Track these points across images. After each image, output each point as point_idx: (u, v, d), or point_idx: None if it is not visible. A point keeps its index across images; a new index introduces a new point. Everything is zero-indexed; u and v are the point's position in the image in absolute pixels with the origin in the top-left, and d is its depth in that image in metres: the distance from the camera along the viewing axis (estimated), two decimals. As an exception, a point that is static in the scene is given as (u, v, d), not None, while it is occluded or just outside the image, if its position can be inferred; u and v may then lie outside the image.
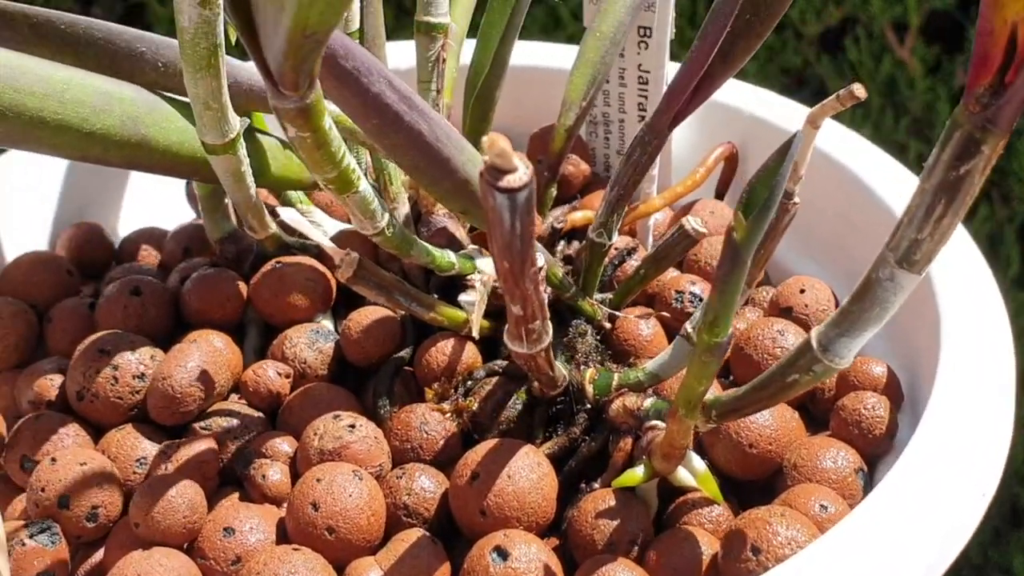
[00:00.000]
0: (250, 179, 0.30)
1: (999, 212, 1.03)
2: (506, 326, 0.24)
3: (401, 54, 0.39)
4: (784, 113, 0.37)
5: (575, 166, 0.39)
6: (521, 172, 0.18)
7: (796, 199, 0.27)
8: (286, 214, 0.28)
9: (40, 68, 0.26)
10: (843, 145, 0.35)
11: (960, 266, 0.30)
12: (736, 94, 0.39)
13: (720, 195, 0.39)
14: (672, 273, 0.35)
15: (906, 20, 1.03)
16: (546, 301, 0.23)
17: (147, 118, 0.28)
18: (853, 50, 1.03)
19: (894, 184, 0.33)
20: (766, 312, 0.34)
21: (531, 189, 0.19)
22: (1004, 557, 1.11)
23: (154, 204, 0.40)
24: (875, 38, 1.05)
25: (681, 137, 0.41)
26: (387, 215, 0.27)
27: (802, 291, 0.33)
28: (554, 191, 0.37)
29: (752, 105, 0.38)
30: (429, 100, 0.33)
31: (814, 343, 0.22)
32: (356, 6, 0.31)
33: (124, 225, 0.40)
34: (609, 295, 0.33)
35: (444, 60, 0.32)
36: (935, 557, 0.23)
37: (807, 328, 0.32)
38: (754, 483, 0.28)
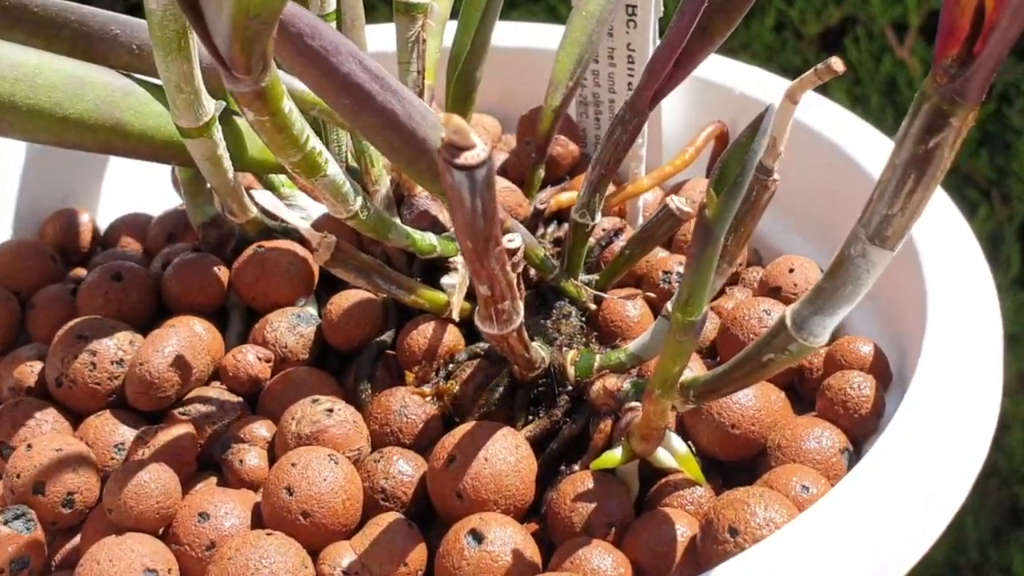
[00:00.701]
0: (227, 163, 0.30)
1: (999, 212, 1.04)
2: (476, 307, 0.24)
3: (385, 36, 0.39)
4: (776, 92, 0.37)
5: (563, 147, 0.39)
6: (479, 149, 0.18)
7: (776, 176, 0.27)
8: (261, 198, 0.29)
9: (11, 53, 0.26)
10: (834, 122, 0.35)
11: (948, 240, 0.30)
12: (727, 72, 0.39)
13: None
14: (661, 254, 0.35)
15: (906, 20, 1.04)
16: (515, 281, 0.23)
17: (122, 102, 0.28)
18: (853, 50, 1.04)
19: (884, 160, 0.33)
20: (755, 292, 0.34)
21: (490, 166, 0.19)
22: (1004, 557, 1.11)
23: (141, 190, 0.40)
24: (875, 38, 1.05)
25: (672, 116, 0.41)
26: (360, 198, 0.27)
27: (791, 270, 0.33)
28: (542, 172, 0.37)
29: (743, 83, 0.38)
30: (409, 81, 0.33)
31: (788, 322, 0.22)
32: (333, -14, 0.31)
33: (111, 211, 0.41)
34: (596, 276, 0.33)
35: (424, 41, 0.32)
36: (916, 535, 0.23)
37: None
38: (739, 464, 0.28)
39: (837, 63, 0.25)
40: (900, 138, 0.20)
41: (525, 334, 0.25)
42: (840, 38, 1.07)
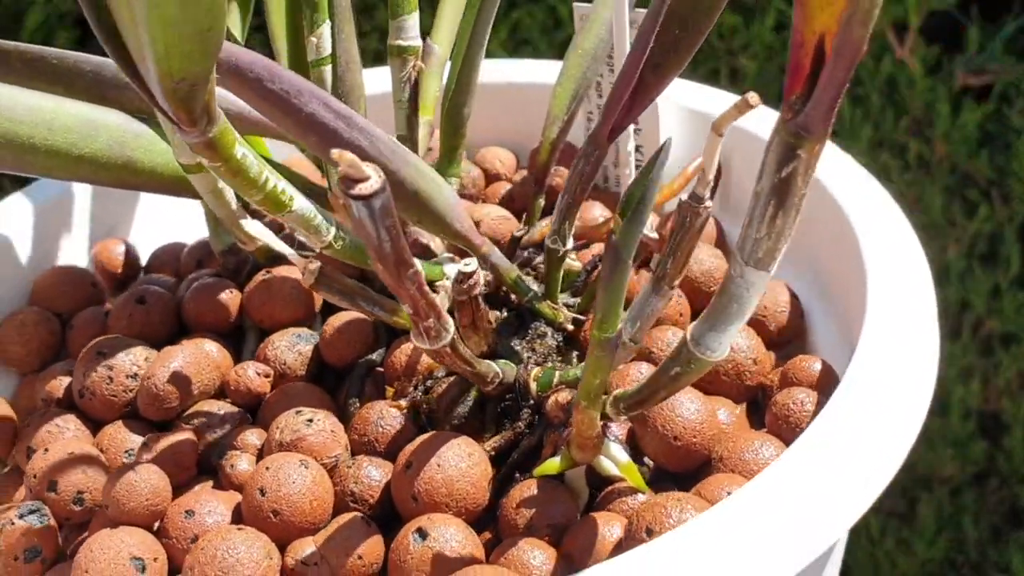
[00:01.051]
0: (230, 195, 0.33)
1: (999, 212, 1.07)
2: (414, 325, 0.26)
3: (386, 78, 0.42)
4: (765, 123, 0.39)
5: (562, 177, 0.42)
6: (373, 180, 0.21)
7: (708, 203, 0.29)
8: (250, 227, 0.32)
9: (29, 99, 0.30)
10: (843, 181, 0.37)
11: (885, 224, 0.32)
12: (722, 106, 0.41)
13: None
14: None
15: (906, 20, 1.05)
16: (438, 302, 0.25)
17: (132, 142, 0.32)
18: None
19: (851, 185, 0.35)
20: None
21: (386, 196, 0.21)
22: (1003, 556, 1.14)
23: (184, 222, 0.44)
24: (875, 38, 1.04)
25: (672, 146, 0.43)
26: (333, 228, 0.30)
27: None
28: (542, 201, 0.40)
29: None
30: (403, 118, 0.36)
31: (688, 338, 0.25)
32: (326, 33, 0.35)
33: (156, 241, 0.44)
34: (579, 299, 0.36)
35: (416, 80, 0.35)
36: (827, 523, 0.24)
37: (764, 329, 0.35)
38: (688, 474, 0.30)
39: (754, 97, 0.27)
40: (761, 170, 0.23)
41: (463, 349, 0.27)
42: None
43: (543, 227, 0.38)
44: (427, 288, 0.24)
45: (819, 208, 0.35)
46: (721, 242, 0.39)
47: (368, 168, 0.21)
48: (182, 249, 0.42)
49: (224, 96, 0.34)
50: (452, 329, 0.26)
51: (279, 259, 0.37)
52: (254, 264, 0.37)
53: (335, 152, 0.20)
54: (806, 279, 0.36)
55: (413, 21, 0.35)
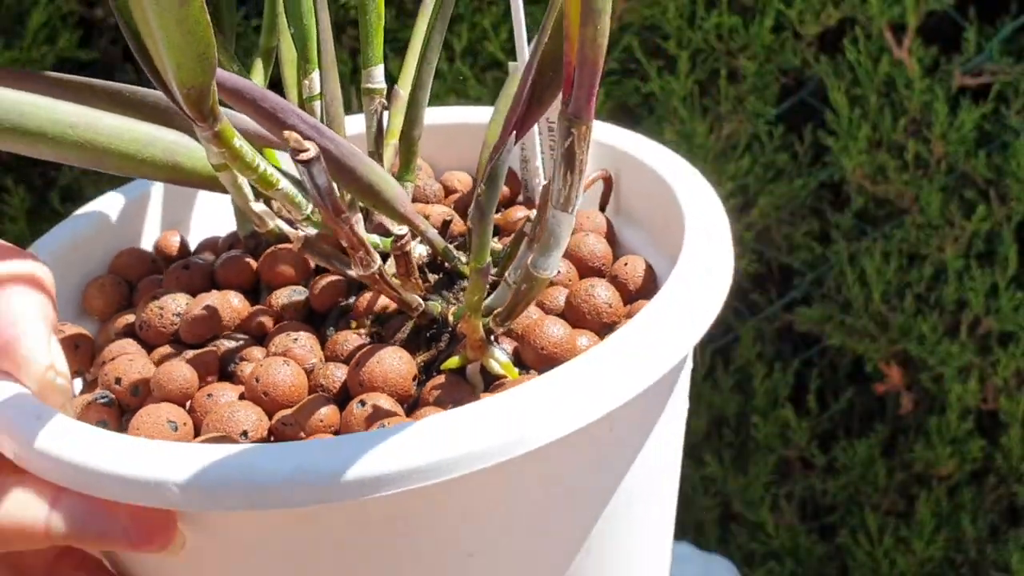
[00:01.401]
0: (247, 188, 0.47)
1: (997, 212, 1.13)
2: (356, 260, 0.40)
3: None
4: (644, 149, 0.51)
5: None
6: (311, 151, 0.34)
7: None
8: (257, 208, 0.46)
9: (110, 120, 0.44)
10: (666, 164, 0.49)
11: (699, 191, 0.44)
12: (614, 136, 0.53)
13: (602, 208, 0.54)
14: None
15: (904, 21, 1.11)
16: (368, 240, 0.39)
17: (180, 151, 0.46)
18: (852, 51, 1.12)
19: (690, 185, 0.47)
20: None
21: (320, 162, 0.35)
22: (1002, 555, 1.24)
23: (225, 222, 0.58)
24: (873, 39, 1.12)
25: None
26: (310, 205, 0.43)
27: (625, 264, 0.47)
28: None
29: (625, 144, 0.52)
30: (372, 141, 0.49)
31: (529, 263, 0.38)
32: (316, 78, 0.49)
33: (206, 233, 0.59)
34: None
35: (382, 113, 0.49)
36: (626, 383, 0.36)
37: (624, 289, 0.47)
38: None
39: (605, 172, 0.39)
40: (556, 142, 0.35)
41: (389, 277, 0.41)
42: (839, 39, 1.15)
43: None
44: (358, 229, 0.38)
45: (654, 189, 0.48)
46: (610, 236, 0.51)
47: (307, 144, 0.34)
48: (218, 239, 0.56)
49: (240, 118, 0.48)
50: (379, 261, 0.39)
51: (285, 240, 0.51)
52: (267, 243, 0.51)
53: (286, 132, 0.34)
54: (663, 252, 0.48)
55: (379, 70, 0.49)
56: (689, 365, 0.45)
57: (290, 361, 0.42)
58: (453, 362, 0.41)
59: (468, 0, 1.11)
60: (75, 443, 0.34)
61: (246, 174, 0.40)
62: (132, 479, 0.33)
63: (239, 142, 0.39)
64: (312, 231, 0.45)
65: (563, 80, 0.34)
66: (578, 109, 0.34)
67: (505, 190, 0.55)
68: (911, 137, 1.14)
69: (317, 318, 0.48)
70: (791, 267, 1.23)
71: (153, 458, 0.33)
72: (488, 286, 0.41)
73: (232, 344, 0.46)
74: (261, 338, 0.47)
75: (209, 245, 0.56)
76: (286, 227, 0.45)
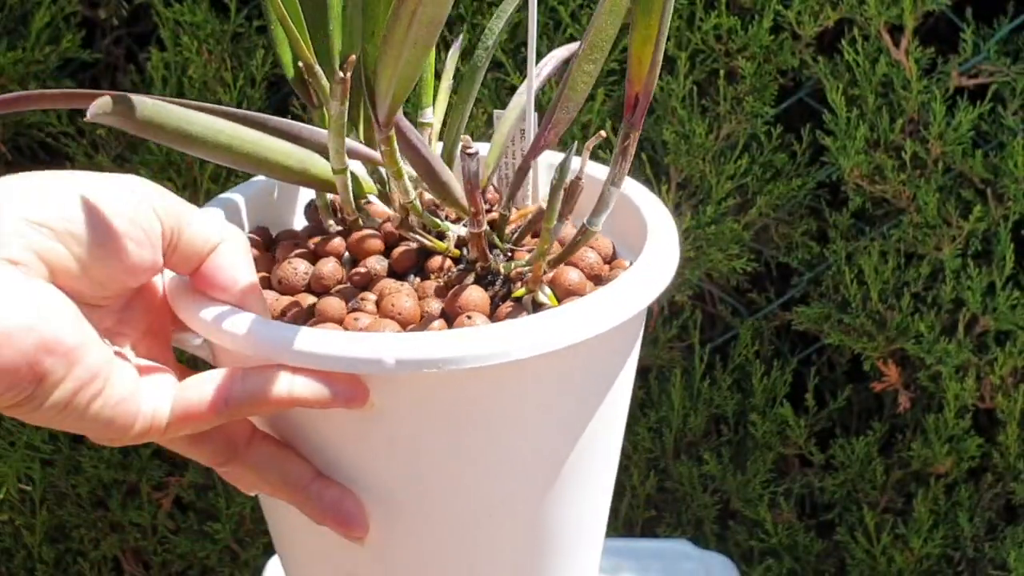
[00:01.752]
0: (351, 187, 0.83)
1: (994, 211, 1.39)
2: (469, 224, 0.76)
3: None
4: (626, 185, 0.81)
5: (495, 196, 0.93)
6: (474, 148, 0.67)
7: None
8: (346, 198, 0.82)
9: (251, 135, 0.75)
10: (637, 192, 0.83)
11: (658, 212, 0.80)
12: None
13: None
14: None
15: (902, 22, 1.35)
16: (483, 212, 0.75)
17: (307, 159, 0.80)
18: (849, 51, 1.38)
19: (652, 208, 0.82)
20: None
21: (478, 158, 0.71)
22: (999, 552, 1.53)
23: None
24: (871, 40, 1.37)
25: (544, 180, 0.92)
26: (415, 193, 0.80)
27: (598, 240, 0.83)
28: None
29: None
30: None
31: (586, 222, 0.74)
32: (429, 112, 0.85)
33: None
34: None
35: (431, 141, 0.86)
36: (635, 300, 0.71)
37: (603, 256, 0.83)
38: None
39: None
40: (617, 141, 0.72)
41: (485, 240, 0.77)
42: (837, 40, 1.40)
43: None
44: (480, 200, 0.74)
45: (629, 210, 0.82)
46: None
47: (472, 144, 0.68)
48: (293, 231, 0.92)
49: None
50: (484, 224, 0.76)
51: (359, 228, 0.86)
52: (348, 231, 0.86)
53: (464, 138, 0.70)
54: (624, 240, 0.84)
55: (429, 110, 0.84)
56: (643, 321, 0.79)
57: (411, 293, 0.79)
58: (520, 292, 0.77)
59: (469, 1, 1.33)
60: (314, 338, 0.67)
61: (391, 165, 0.76)
62: (357, 358, 0.65)
63: (395, 145, 0.75)
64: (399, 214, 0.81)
65: (626, 99, 0.70)
66: (636, 121, 0.70)
67: (494, 195, 0.92)
68: (908, 137, 1.40)
69: (397, 276, 0.85)
70: (789, 266, 1.50)
71: (370, 343, 0.65)
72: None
73: (347, 292, 0.83)
74: (363, 289, 0.84)
75: (290, 234, 0.92)
76: (383, 207, 0.82)
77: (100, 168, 1.40)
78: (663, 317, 1.51)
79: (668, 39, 1.33)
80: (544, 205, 0.73)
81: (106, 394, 0.59)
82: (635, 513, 1.54)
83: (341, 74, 0.67)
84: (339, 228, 0.85)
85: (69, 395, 0.57)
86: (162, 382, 0.62)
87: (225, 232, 0.69)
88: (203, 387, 0.63)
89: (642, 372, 1.53)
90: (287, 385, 0.65)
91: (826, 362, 1.58)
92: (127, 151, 1.48)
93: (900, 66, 1.38)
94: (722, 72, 1.41)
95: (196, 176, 1.45)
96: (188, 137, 0.66)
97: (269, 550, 1.58)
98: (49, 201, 0.58)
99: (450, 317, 0.73)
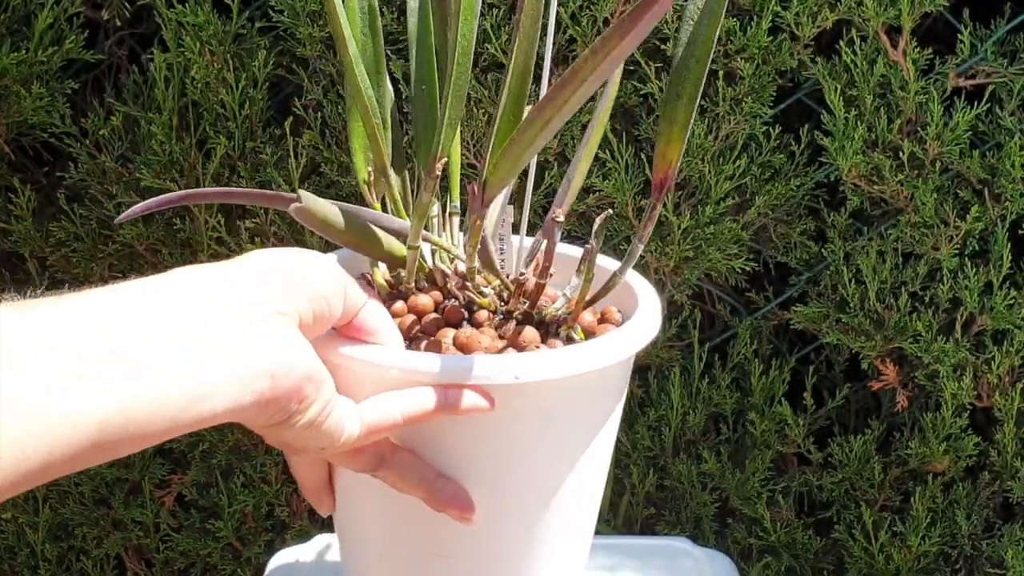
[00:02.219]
0: (417, 261, 0.90)
1: (991, 211, 1.45)
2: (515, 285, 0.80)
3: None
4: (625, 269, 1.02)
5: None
6: (561, 217, 0.83)
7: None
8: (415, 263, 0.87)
9: (339, 217, 0.87)
10: (631, 275, 1.01)
11: (645, 289, 1.00)
12: (609, 263, 0.93)
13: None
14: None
15: (899, 23, 1.40)
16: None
17: (384, 239, 0.91)
18: (848, 52, 1.44)
19: (641, 286, 1.00)
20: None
21: (561, 225, 0.77)
22: (996, 550, 1.56)
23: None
24: (869, 41, 1.43)
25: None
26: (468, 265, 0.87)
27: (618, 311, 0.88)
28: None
29: (612, 266, 1.01)
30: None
31: (616, 270, 0.77)
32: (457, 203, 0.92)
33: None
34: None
35: (462, 224, 0.89)
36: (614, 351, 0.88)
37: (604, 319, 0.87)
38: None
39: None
40: (648, 210, 0.75)
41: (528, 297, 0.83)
42: (835, 41, 1.46)
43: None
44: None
45: (625, 288, 1.01)
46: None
47: (560, 214, 0.79)
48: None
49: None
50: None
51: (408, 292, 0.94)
52: (404, 294, 1.01)
53: (557, 210, 0.79)
54: (627, 314, 1.00)
55: (458, 202, 1.02)
56: (630, 367, 0.97)
57: (490, 332, 0.91)
58: (565, 329, 0.82)
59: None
60: (457, 362, 0.86)
61: (473, 238, 0.90)
62: (495, 372, 0.85)
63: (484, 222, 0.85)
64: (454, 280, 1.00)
65: (653, 183, 0.77)
66: (660, 197, 0.74)
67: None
68: (906, 137, 1.44)
69: (452, 326, 0.95)
70: (788, 266, 1.58)
71: (498, 362, 0.86)
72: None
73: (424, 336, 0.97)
74: (432, 335, 0.98)
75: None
76: (449, 271, 0.93)
77: (103, 168, 1.56)
78: (663, 316, 1.53)
79: (667, 41, 1.45)
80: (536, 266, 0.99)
81: (334, 413, 0.77)
82: (634, 511, 1.64)
83: (437, 171, 0.88)
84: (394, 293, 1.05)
85: (315, 414, 0.75)
86: (350, 403, 0.80)
87: (367, 296, 0.87)
88: (381, 406, 0.81)
89: (642, 371, 1.65)
90: (439, 398, 0.84)
91: (824, 361, 1.66)
92: (129, 151, 1.59)
93: (898, 67, 1.44)
94: (721, 73, 1.47)
95: (199, 177, 1.48)
96: (337, 227, 0.90)
97: (271, 547, 1.71)
98: (303, 272, 0.78)
99: (516, 348, 0.94)
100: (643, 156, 1.50)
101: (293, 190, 1.45)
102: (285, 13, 1.46)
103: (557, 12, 1.05)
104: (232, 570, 1.72)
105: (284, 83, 1.57)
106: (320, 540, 1.24)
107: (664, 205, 1.46)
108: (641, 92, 1.48)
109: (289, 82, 1.57)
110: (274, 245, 1.50)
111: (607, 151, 1.48)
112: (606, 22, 1.44)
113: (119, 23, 1.55)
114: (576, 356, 0.89)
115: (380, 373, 0.84)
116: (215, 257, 1.55)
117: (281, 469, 1.66)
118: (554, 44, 1.44)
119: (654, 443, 1.64)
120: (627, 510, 1.67)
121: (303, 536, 1.61)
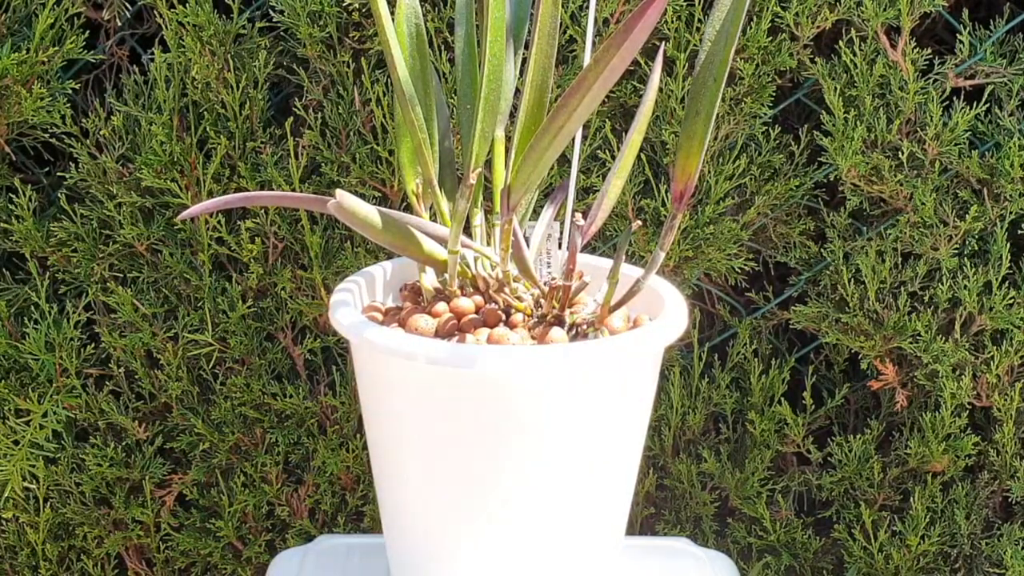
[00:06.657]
0: (458, 263, 0.94)
1: (990, 211, 1.50)
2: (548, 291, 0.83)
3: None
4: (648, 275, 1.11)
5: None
6: (583, 224, 0.90)
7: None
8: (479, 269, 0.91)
9: (377, 217, 0.95)
10: (655, 280, 1.12)
11: (670, 292, 1.09)
12: (633, 271, 0.95)
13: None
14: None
15: (899, 23, 1.42)
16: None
17: (425, 244, 1.00)
18: (847, 53, 1.47)
19: (666, 290, 1.06)
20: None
21: (583, 229, 0.78)
22: (995, 549, 1.60)
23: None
24: (868, 41, 1.46)
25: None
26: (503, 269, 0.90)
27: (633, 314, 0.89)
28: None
29: (636, 273, 0.97)
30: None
31: (640, 277, 0.79)
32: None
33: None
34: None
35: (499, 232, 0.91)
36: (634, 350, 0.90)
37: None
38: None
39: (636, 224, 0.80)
40: (667, 219, 0.75)
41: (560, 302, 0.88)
42: (834, 41, 1.49)
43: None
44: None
45: (650, 292, 1.06)
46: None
47: (580, 219, 0.80)
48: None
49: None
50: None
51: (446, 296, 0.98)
52: (447, 296, 1.08)
53: (576, 214, 0.78)
54: (653, 315, 1.03)
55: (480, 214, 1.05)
56: (659, 360, 1.07)
57: (521, 332, 1.04)
58: (591, 330, 0.84)
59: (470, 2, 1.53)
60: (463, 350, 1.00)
61: (504, 241, 0.99)
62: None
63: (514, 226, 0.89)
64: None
65: (673, 194, 0.79)
66: (680, 208, 0.74)
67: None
68: (906, 138, 1.47)
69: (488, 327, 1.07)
70: (787, 266, 1.62)
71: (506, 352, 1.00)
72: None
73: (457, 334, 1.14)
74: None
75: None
76: (483, 273, 0.97)
77: (103, 168, 1.57)
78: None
79: (667, 41, 1.48)
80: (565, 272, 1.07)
81: None
82: (634, 511, 1.70)
83: (472, 180, 0.97)
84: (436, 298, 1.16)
85: None
86: None
87: None
88: None
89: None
90: None
91: (824, 361, 1.71)
92: (130, 151, 1.62)
93: (897, 67, 1.46)
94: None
95: (199, 177, 1.49)
96: (375, 227, 0.98)
97: (271, 547, 1.77)
98: None
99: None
100: (643, 156, 1.55)
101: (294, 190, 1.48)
102: (285, 13, 1.49)
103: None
104: (232, 569, 1.76)
105: (284, 83, 1.60)
106: (322, 541, 1.27)
107: (664, 205, 1.53)
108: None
109: (289, 82, 1.60)
110: (274, 245, 1.58)
111: (607, 151, 1.54)
112: (606, 22, 1.49)
113: (119, 23, 1.58)
114: (593, 347, 0.99)
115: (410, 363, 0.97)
116: (215, 257, 1.58)
117: (281, 469, 1.68)
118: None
119: (654, 443, 1.69)
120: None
121: (304, 536, 1.71)
